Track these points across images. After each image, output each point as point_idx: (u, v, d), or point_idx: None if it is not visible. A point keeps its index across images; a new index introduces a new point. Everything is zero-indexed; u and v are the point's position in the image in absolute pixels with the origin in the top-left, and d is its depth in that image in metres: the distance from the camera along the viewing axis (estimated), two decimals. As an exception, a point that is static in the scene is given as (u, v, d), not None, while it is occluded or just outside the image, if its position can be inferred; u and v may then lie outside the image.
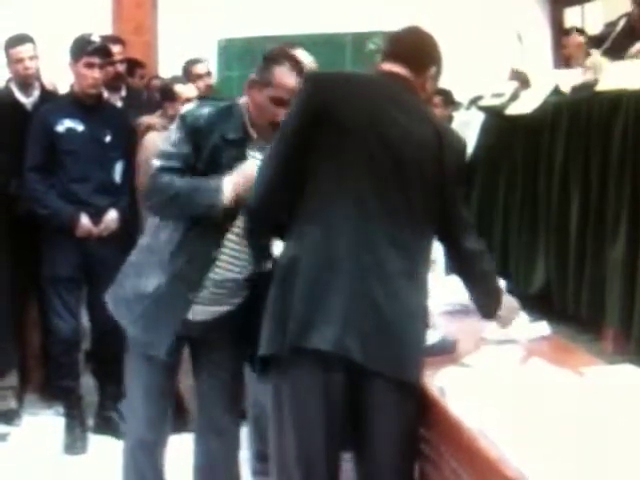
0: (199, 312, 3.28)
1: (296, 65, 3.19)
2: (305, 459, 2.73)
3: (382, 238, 2.72)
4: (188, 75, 5.68)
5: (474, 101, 6.09)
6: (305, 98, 2.84)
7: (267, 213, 2.95)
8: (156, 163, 3.28)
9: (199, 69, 5.91)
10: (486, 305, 3.04)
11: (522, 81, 5.41)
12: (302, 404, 2.71)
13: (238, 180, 3.12)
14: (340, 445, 2.81)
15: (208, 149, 3.20)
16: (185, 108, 3.38)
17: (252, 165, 3.12)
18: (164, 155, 3.27)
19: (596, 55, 4.64)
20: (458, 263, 2.99)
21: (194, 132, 3.21)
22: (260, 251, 3.22)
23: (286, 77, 3.15)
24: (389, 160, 2.74)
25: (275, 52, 3.29)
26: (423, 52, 2.93)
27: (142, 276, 3.29)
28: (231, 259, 3.22)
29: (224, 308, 3.30)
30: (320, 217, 2.75)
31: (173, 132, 3.28)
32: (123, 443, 3.54)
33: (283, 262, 2.81)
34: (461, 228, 2.89)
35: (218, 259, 3.20)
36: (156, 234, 3.32)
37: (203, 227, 3.18)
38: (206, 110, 3.27)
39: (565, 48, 6.42)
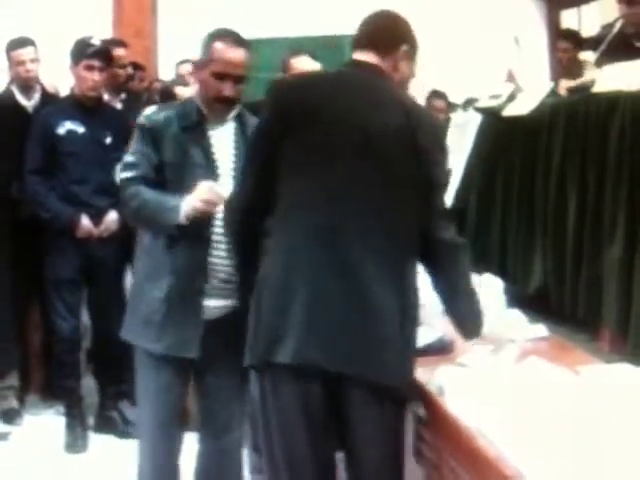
0: (211, 309, 3.32)
1: (235, 40, 3.26)
2: (292, 463, 2.73)
3: (353, 239, 2.64)
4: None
5: (468, 103, 6.11)
6: (270, 107, 2.83)
7: (248, 223, 2.94)
8: (122, 175, 3.38)
9: (182, 69, 6.03)
10: (469, 319, 2.89)
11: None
12: (284, 411, 2.70)
13: (194, 202, 3.17)
14: (328, 447, 2.79)
15: (169, 143, 3.28)
16: (143, 115, 3.43)
17: (205, 188, 3.16)
18: (128, 166, 3.36)
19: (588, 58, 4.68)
20: (432, 258, 2.81)
21: (153, 134, 3.31)
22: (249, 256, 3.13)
23: (225, 51, 3.23)
24: (361, 154, 2.67)
25: (215, 30, 3.37)
26: (389, 32, 2.86)
27: (151, 288, 3.34)
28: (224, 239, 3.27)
29: (231, 302, 3.32)
30: (291, 224, 2.72)
31: (134, 141, 3.38)
32: (138, 447, 3.54)
33: (260, 273, 2.80)
34: (436, 217, 2.76)
35: (213, 240, 3.25)
36: (150, 245, 3.40)
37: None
38: (163, 112, 3.38)
39: (558, 51, 6.45)
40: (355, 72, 2.83)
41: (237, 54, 3.24)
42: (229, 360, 3.38)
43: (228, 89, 3.25)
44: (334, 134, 2.69)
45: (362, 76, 2.81)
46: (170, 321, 3.28)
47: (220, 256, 3.27)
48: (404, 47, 2.84)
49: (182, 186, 3.25)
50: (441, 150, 2.81)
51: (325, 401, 2.68)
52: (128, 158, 3.38)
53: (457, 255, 2.83)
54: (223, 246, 3.25)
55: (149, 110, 3.46)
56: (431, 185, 2.74)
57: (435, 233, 2.75)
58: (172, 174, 3.30)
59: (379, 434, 2.71)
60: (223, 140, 3.35)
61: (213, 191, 3.16)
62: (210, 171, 3.27)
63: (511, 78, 5.70)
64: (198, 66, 3.36)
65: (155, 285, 3.32)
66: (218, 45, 3.24)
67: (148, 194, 3.28)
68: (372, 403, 2.67)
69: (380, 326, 2.64)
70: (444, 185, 2.89)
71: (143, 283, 3.39)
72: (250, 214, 2.89)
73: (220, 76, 3.24)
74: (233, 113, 3.36)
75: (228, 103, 3.29)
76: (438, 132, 2.89)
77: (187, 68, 6.00)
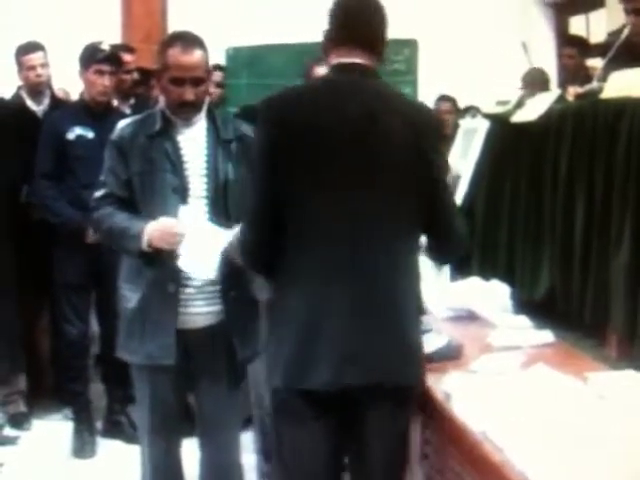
0: (194, 317, 3.33)
1: (188, 43, 3.27)
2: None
3: (375, 251, 2.61)
4: None
5: (467, 110, 6.12)
6: (268, 131, 2.65)
7: (261, 245, 2.70)
8: (95, 194, 3.42)
9: None
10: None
11: (540, 83, 5.44)
12: (305, 438, 2.66)
13: (154, 231, 3.20)
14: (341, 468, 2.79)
15: (136, 154, 3.31)
16: (116, 129, 3.44)
17: (169, 220, 3.20)
18: (99, 184, 3.41)
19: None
20: (443, 246, 2.84)
21: (121, 148, 3.34)
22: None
23: (178, 56, 3.24)
24: (370, 166, 2.60)
25: (167, 37, 3.44)
26: (376, 27, 2.70)
27: (127, 300, 3.38)
28: None
29: (216, 309, 3.34)
30: (309, 244, 2.61)
31: (106, 158, 3.40)
32: (139, 451, 3.57)
33: (278, 297, 2.70)
34: (448, 213, 2.77)
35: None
36: (125, 257, 3.43)
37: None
38: (129, 124, 3.40)
39: (564, 57, 6.45)
40: (347, 79, 2.67)
41: (191, 57, 3.25)
42: (219, 366, 3.42)
43: (188, 93, 3.26)
44: (342, 156, 2.59)
45: (355, 83, 2.65)
46: (146, 331, 3.31)
47: None
48: (387, 38, 2.72)
49: (153, 196, 3.30)
50: (441, 145, 2.79)
51: (342, 417, 2.66)
52: (102, 176, 3.42)
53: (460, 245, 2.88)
54: None
55: (122, 123, 3.46)
56: (437, 182, 2.71)
57: (450, 231, 2.77)
58: (141, 185, 3.31)
59: (395, 439, 2.71)
60: (194, 141, 3.36)
61: (170, 232, 3.19)
62: (177, 175, 3.29)
63: (530, 81, 5.69)
64: (157, 74, 3.37)
65: (131, 296, 3.36)
66: (171, 51, 3.25)
67: (115, 219, 3.33)
68: (391, 406, 2.65)
69: (408, 331, 2.66)
70: (447, 181, 2.86)
71: (122, 293, 3.43)
72: (268, 245, 2.68)
73: (178, 81, 3.25)
74: (201, 114, 3.37)
75: (191, 107, 3.30)
76: (437, 129, 2.83)
77: None
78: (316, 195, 2.60)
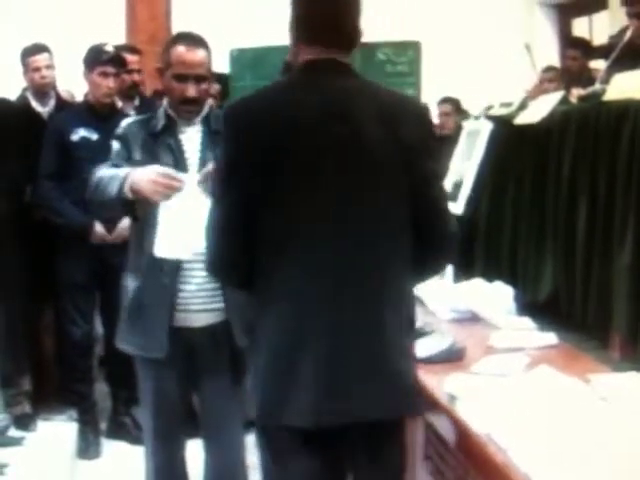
0: (195, 315, 3.34)
1: (192, 41, 3.34)
2: None
3: (362, 267, 2.41)
4: None
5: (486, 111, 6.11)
6: (234, 141, 2.46)
7: (229, 264, 2.52)
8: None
9: None
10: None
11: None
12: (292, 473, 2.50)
13: (135, 176, 3.17)
14: None
15: (139, 150, 3.36)
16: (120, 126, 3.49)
17: (155, 172, 3.17)
18: (105, 166, 3.41)
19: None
20: (430, 251, 2.56)
21: (125, 139, 3.40)
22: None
23: (182, 54, 3.30)
24: (350, 179, 2.40)
25: (172, 36, 3.53)
26: (353, 27, 2.51)
27: (126, 293, 3.40)
28: None
29: (218, 306, 3.34)
30: (286, 261, 2.40)
31: (112, 150, 3.45)
32: (143, 450, 3.57)
33: (256, 325, 2.50)
34: (435, 212, 2.53)
35: None
36: (132, 259, 3.45)
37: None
38: (134, 122, 3.49)
39: (567, 59, 6.46)
40: (318, 80, 2.47)
41: (194, 55, 3.31)
42: (222, 365, 3.44)
43: (191, 90, 3.31)
44: (317, 163, 2.39)
45: (329, 81, 2.46)
46: (139, 322, 3.34)
47: (195, 260, 3.22)
48: (363, 34, 2.53)
49: None
50: (429, 139, 2.55)
51: (331, 449, 2.49)
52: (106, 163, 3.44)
53: (454, 245, 2.65)
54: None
55: (126, 121, 3.53)
56: (427, 180, 2.51)
57: (439, 229, 2.54)
58: None
59: (387, 472, 2.59)
60: (192, 141, 3.41)
61: (163, 178, 3.14)
62: (179, 170, 3.29)
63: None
64: (160, 72, 3.41)
65: (130, 285, 3.39)
66: (176, 48, 3.32)
67: (106, 169, 3.33)
68: (381, 440, 2.54)
69: (396, 358, 2.46)
70: (439, 176, 2.64)
71: (124, 284, 3.45)
72: (242, 261, 2.47)
73: (181, 78, 3.31)
74: (202, 113, 3.42)
75: (193, 104, 3.35)
76: (422, 122, 2.55)
77: None
78: (294, 202, 2.41)
